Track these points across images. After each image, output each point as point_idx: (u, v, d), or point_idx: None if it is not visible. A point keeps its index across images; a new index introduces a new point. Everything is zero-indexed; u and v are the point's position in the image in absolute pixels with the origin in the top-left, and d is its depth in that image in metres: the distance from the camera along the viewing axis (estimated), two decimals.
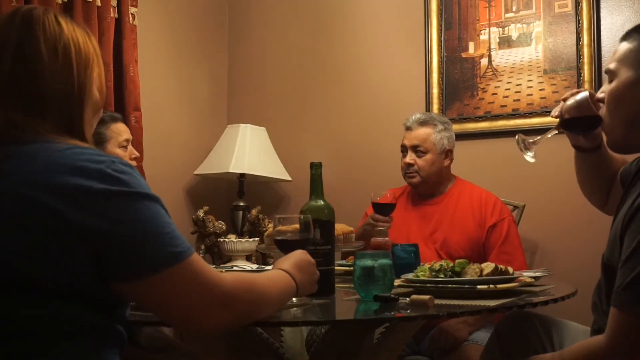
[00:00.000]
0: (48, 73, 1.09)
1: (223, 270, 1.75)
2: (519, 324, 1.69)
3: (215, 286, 1.07)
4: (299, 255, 1.37)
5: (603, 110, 1.43)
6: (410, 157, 2.51)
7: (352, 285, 1.55)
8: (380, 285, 1.48)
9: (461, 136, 3.03)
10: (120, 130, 2.38)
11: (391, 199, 2.31)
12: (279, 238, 1.50)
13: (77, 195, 0.99)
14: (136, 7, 3.06)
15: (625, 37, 1.41)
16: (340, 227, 2.06)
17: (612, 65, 1.40)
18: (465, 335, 2.25)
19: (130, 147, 2.43)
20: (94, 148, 1.09)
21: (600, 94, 1.45)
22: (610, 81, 1.41)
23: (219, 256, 3.24)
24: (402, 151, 2.58)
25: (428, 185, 2.52)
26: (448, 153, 2.54)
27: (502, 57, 3.02)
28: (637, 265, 1.16)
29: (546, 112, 2.90)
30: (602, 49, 2.78)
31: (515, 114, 2.97)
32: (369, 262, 1.49)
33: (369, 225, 2.33)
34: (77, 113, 1.12)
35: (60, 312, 1.00)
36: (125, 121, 2.76)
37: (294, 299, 1.46)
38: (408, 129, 2.56)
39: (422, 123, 2.53)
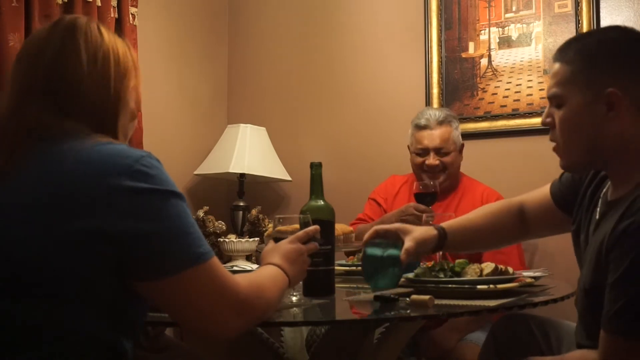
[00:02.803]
0: (86, 79, 1.11)
1: None
2: (514, 326, 1.69)
3: (232, 292, 1.08)
4: (287, 246, 1.36)
5: (555, 135, 1.36)
6: (434, 158, 2.45)
7: (352, 285, 1.55)
8: (390, 275, 1.47)
9: (461, 136, 3.03)
10: None
11: (433, 188, 2.25)
12: (279, 237, 1.50)
13: (104, 192, 1.00)
14: (136, 7, 3.06)
15: (560, 58, 1.35)
16: (340, 227, 2.06)
17: (557, 91, 1.33)
18: (454, 344, 2.23)
19: None
20: (122, 144, 1.10)
21: (547, 119, 1.38)
22: (558, 105, 1.34)
23: (219, 256, 3.23)
24: (418, 153, 2.49)
25: (447, 184, 2.49)
26: (461, 148, 2.54)
27: (502, 57, 3.02)
28: (626, 292, 1.14)
29: None
30: None
31: (515, 114, 2.97)
32: (378, 251, 1.49)
33: (412, 216, 2.24)
34: (111, 120, 1.14)
35: (65, 319, 1.00)
36: None
37: (293, 299, 1.46)
38: (425, 127, 2.47)
39: (442, 122, 2.46)
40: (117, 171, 1.01)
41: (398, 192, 2.61)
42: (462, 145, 2.55)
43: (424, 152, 2.48)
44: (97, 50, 1.13)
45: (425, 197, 2.26)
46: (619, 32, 1.34)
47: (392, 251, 1.49)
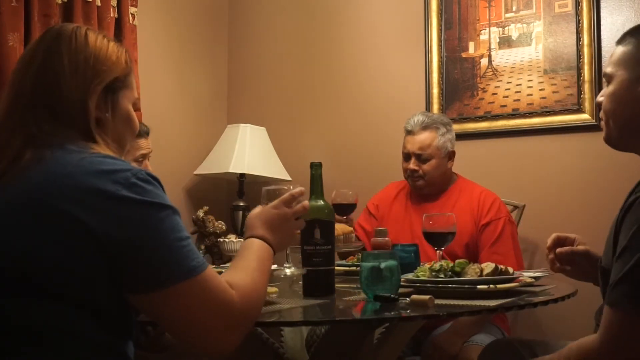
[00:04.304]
0: (68, 85, 1.11)
1: (223, 271, 1.73)
2: (500, 353, 1.69)
3: (227, 308, 1.06)
4: (270, 212, 1.34)
5: (602, 112, 1.44)
6: (414, 163, 2.47)
7: (352, 285, 1.55)
8: (387, 285, 1.48)
9: (461, 136, 3.02)
10: (140, 146, 2.41)
11: (353, 199, 2.24)
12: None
13: (100, 199, 1.01)
14: (136, 7, 3.06)
15: (620, 41, 1.43)
16: (340, 227, 2.06)
17: (608, 69, 1.42)
18: (459, 348, 2.24)
19: (146, 162, 2.45)
20: (120, 158, 1.11)
21: (600, 98, 1.46)
22: (608, 84, 1.43)
23: (219, 256, 3.23)
24: (404, 157, 2.53)
25: (432, 188, 2.52)
26: (451, 155, 2.53)
27: (502, 57, 3.02)
28: (628, 262, 1.16)
29: (546, 113, 2.90)
30: (602, 49, 2.78)
31: (515, 114, 2.97)
32: (376, 263, 1.49)
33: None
34: (100, 127, 1.14)
35: (63, 321, 1.00)
36: None
37: (287, 272, 1.47)
38: (410, 132, 2.51)
39: (425, 127, 2.48)
40: (114, 180, 1.02)
41: (395, 199, 2.61)
42: (452, 152, 2.53)
43: (407, 156, 2.51)
44: (79, 55, 1.14)
45: (341, 207, 2.23)
46: None
47: (389, 262, 1.49)
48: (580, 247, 1.59)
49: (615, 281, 1.18)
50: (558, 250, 1.60)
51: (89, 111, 1.12)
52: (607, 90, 1.43)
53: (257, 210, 1.37)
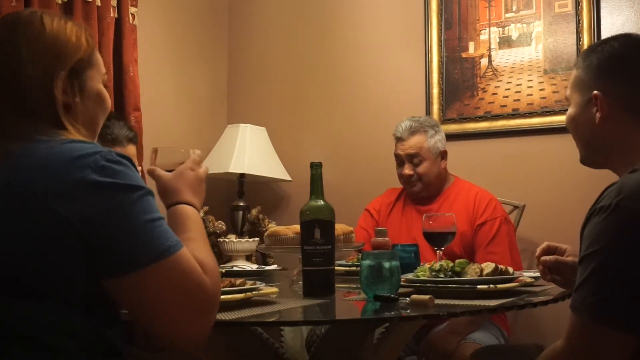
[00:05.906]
0: (29, 75, 1.09)
1: (224, 271, 1.73)
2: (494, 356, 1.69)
3: (200, 291, 1.05)
4: (191, 175, 1.35)
5: None
6: (408, 168, 2.50)
7: (352, 285, 1.55)
8: (387, 285, 1.48)
9: (461, 136, 3.03)
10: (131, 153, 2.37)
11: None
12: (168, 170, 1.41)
13: (71, 186, 1.00)
14: (136, 7, 3.06)
15: (575, 63, 1.47)
16: (340, 227, 2.06)
17: (567, 92, 1.46)
18: (455, 347, 2.24)
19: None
20: (91, 142, 1.09)
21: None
22: (569, 106, 1.47)
23: (219, 256, 3.23)
24: (397, 161, 2.55)
25: (430, 190, 2.53)
26: (443, 154, 2.54)
27: (502, 57, 3.02)
28: (585, 269, 1.17)
29: (546, 112, 2.90)
30: None
31: (515, 114, 2.97)
32: (376, 262, 1.49)
33: None
34: (67, 112, 1.12)
35: (52, 317, 0.99)
36: (125, 121, 2.75)
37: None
38: (399, 139, 2.53)
39: (413, 132, 2.50)
40: (83, 165, 1.01)
41: (393, 205, 2.62)
42: (444, 152, 2.54)
43: (401, 162, 2.53)
44: (38, 43, 1.11)
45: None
46: (620, 41, 1.41)
47: (389, 262, 1.49)
48: (569, 259, 1.58)
49: (575, 287, 1.19)
50: (542, 258, 1.61)
51: (55, 99, 1.10)
52: (568, 112, 1.46)
53: (175, 173, 1.35)
